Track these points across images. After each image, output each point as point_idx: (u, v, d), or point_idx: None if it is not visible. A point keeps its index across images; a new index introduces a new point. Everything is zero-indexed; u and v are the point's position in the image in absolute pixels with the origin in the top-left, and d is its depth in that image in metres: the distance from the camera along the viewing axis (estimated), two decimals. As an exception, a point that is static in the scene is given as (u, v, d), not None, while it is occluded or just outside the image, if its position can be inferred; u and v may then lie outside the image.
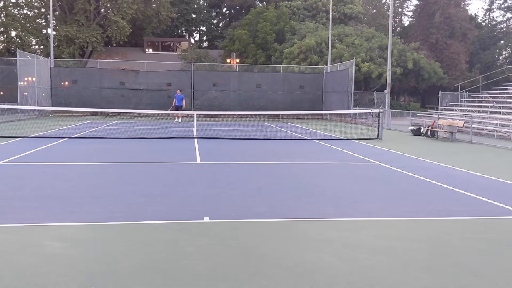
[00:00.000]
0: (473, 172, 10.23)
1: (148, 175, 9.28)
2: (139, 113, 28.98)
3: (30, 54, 30.43)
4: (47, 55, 34.00)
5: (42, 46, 42.12)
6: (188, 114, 26.82)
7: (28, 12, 42.44)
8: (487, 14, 58.96)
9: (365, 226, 5.93)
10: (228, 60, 41.54)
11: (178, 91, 27.28)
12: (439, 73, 39.46)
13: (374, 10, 55.68)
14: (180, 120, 26.02)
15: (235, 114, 30.28)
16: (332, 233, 5.61)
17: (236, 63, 39.00)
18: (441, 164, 11.40)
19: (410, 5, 63.46)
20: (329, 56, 34.62)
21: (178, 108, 26.41)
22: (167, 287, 3.99)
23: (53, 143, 14.13)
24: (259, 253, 4.87)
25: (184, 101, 26.94)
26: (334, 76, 31.93)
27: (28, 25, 41.27)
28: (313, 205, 7.01)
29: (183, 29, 55.90)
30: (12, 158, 11.00)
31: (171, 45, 51.01)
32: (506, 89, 25.34)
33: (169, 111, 25.81)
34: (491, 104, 23.83)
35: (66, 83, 31.79)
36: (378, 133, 17.88)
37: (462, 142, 17.46)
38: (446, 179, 9.28)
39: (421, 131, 19.85)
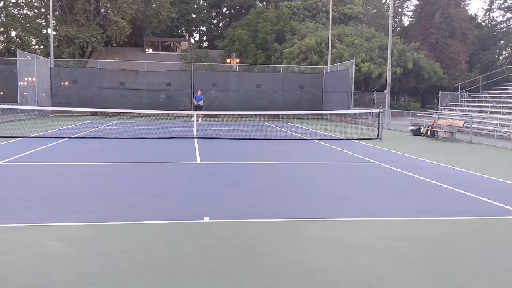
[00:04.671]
0: (473, 172, 10.23)
1: (148, 175, 9.28)
2: (139, 113, 28.98)
3: (30, 54, 30.43)
4: (47, 55, 34.01)
5: (42, 46, 42.12)
6: (187, 114, 26.82)
7: (28, 12, 42.42)
8: (487, 14, 59.01)
9: (365, 226, 5.93)
10: (228, 60, 41.54)
11: (198, 92, 27.42)
12: (439, 73, 39.47)
13: (374, 10, 55.70)
14: (201, 120, 25.92)
15: (235, 114, 30.28)
16: (332, 233, 5.61)
17: (236, 63, 39.00)
18: (441, 164, 11.40)
19: (410, 5, 63.45)
20: (329, 56, 34.62)
21: (197, 108, 26.35)
22: (167, 287, 3.98)
23: (53, 143, 14.13)
24: (259, 253, 4.87)
25: (201, 102, 26.93)
26: (334, 76, 31.93)
27: (28, 25, 41.26)
28: (313, 205, 7.01)
29: (183, 29, 55.88)
30: (12, 158, 11.00)
31: (171, 45, 51.00)
32: (506, 89, 25.34)
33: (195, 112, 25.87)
34: (491, 104, 23.83)
35: (66, 83, 31.79)
36: (378, 133, 17.88)
37: (462, 142, 17.46)
38: (446, 179, 9.28)
39: (421, 131, 19.86)
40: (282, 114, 30.73)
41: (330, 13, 36.97)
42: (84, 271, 4.25)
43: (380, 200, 7.41)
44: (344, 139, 17.23)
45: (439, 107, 27.77)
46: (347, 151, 13.62)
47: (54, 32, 36.87)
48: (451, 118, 20.84)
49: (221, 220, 6.04)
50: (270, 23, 40.85)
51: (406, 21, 60.13)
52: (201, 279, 4.14)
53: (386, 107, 24.54)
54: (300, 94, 33.30)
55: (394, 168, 10.59)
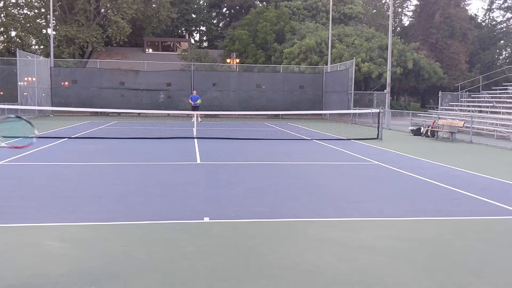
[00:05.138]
0: (473, 172, 10.23)
1: (148, 175, 9.28)
2: (139, 113, 28.97)
3: (30, 54, 30.43)
4: (47, 55, 34.01)
5: (42, 46, 42.12)
6: (187, 114, 26.84)
7: (28, 12, 42.44)
8: (487, 14, 59.00)
9: (365, 226, 5.93)
10: (228, 60, 41.55)
11: (194, 92, 27.51)
12: (439, 73, 39.48)
13: (374, 10, 55.70)
14: (200, 120, 25.89)
15: (235, 114, 30.28)
16: (332, 233, 5.61)
17: (236, 63, 39.01)
18: (441, 164, 11.40)
19: (410, 5, 63.42)
20: (329, 56, 34.62)
21: (194, 108, 26.34)
22: (167, 287, 3.98)
23: (53, 143, 14.13)
24: (259, 253, 4.87)
25: (199, 101, 26.92)
26: (334, 76, 31.93)
27: (28, 25, 41.27)
28: (313, 205, 7.01)
29: (183, 29, 55.89)
30: (12, 158, 11.00)
31: (171, 45, 51.01)
32: (506, 89, 25.35)
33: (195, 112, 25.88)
34: (491, 104, 23.84)
35: (66, 83, 31.80)
36: (378, 133, 17.88)
37: (462, 142, 17.46)
38: (446, 179, 9.28)
39: (421, 131, 19.86)
40: (282, 114, 30.73)
41: (330, 13, 36.98)
42: (84, 271, 4.25)
43: (380, 200, 7.41)
44: (344, 139, 17.23)
45: (439, 107, 27.78)
46: (347, 151, 13.62)
47: (54, 32, 36.87)
48: (451, 118, 20.84)
49: (221, 220, 6.04)
50: (270, 23, 40.85)
51: (406, 21, 60.20)
52: (201, 279, 4.14)
53: (386, 107, 24.54)
54: (300, 94, 33.30)
55: (394, 168, 10.58)
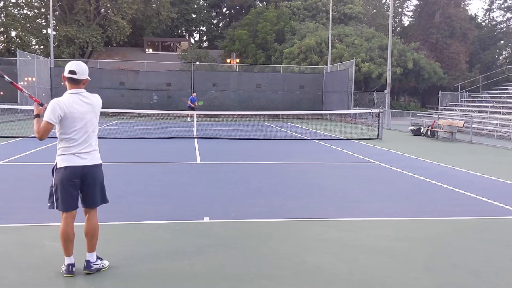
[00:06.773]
0: (473, 172, 10.23)
1: (148, 175, 9.28)
2: (139, 113, 28.98)
3: (30, 54, 30.44)
4: (47, 55, 34.02)
5: (42, 46, 42.11)
6: (188, 114, 26.86)
7: (28, 12, 42.43)
8: (487, 14, 59.01)
9: (365, 226, 5.93)
10: (228, 60, 41.56)
11: (193, 94, 27.70)
12: (439, 73, 39.49)
13: (374, 10, 55.70)
14: (190, 119, 26.07)
15: (235, 114, 30.30)
16: (332, 233, 5.61)
17: (236, 63, 39.02)
18: (441, 164, 11.40)
19: (410, 5, 63.49)
20: (329, 56, 34.62)
21: (191, 109, 26.48)
22: (167, 287, 3.98)
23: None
24: (259, 253, 4.86)
25: (196, 103, 27.11)
26: (334, 76, 31.95)
27: (28, 25, 41.26)
28: (313, 205, 7.00)
29: (183, 29, 55.89)
30: (12, 158, 11.00)
31: (171, 45, 51.02)
32: (506, 89, 25.36)
33: (188, 112, 26.06)
34: (491, 104, 23.84)
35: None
36: (378, 133, 17.89)
37: (462, 142, 17.46)
38: (446, 179, 9.28)
39: (421, 131, 19.87)
40: (282, 114, 30.75)
41: (330, 13, 36.99)
42: (84, 271, 4.24)
43: (380, 200, 7.41)
44: (344, 139, 17.23)
45: (439, 107, 27.79)
46: (347, 151, 13.62)
47: (54, 32, 36.87)
48: (451, 118, 20.85)
49: (221, 220, 6.04)
50: (270, 23, 40.86)
51: (406, 21, 60.20)
52: (201, 279, 4.14)
53: (386, 107, 24.54)
54: (300, 94, 33.32)
55: (394, 168, 10.58)
